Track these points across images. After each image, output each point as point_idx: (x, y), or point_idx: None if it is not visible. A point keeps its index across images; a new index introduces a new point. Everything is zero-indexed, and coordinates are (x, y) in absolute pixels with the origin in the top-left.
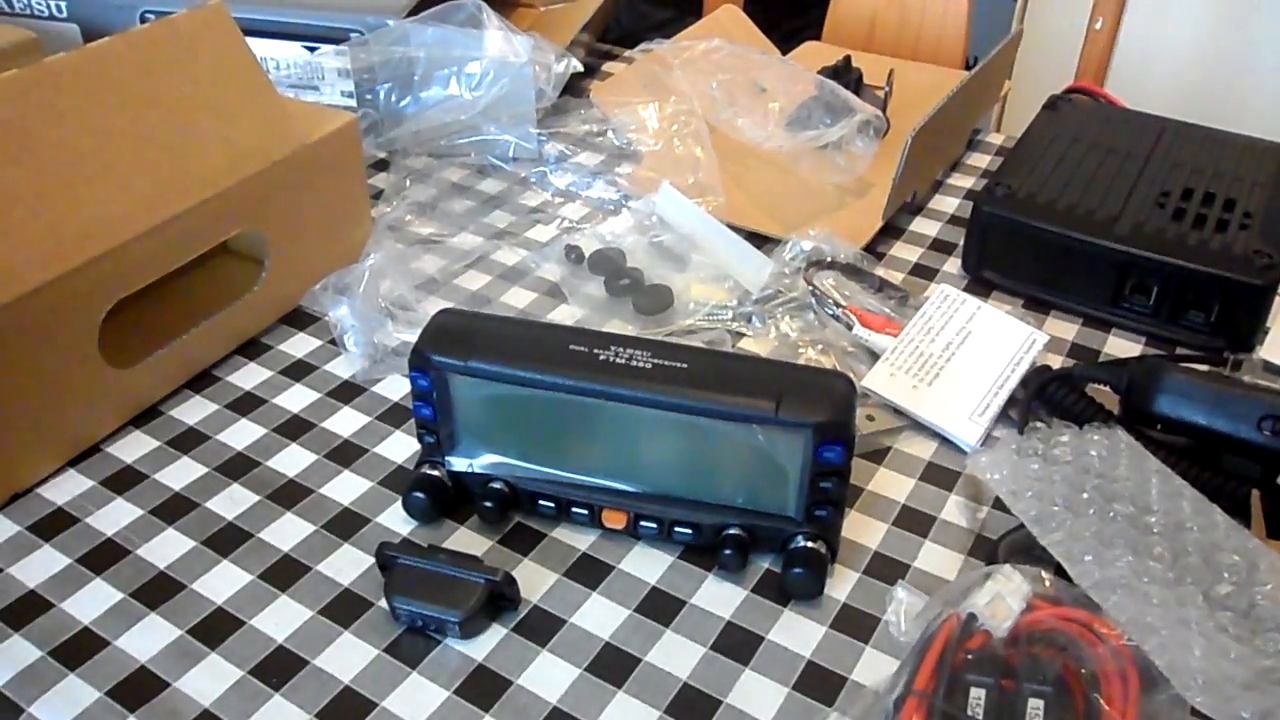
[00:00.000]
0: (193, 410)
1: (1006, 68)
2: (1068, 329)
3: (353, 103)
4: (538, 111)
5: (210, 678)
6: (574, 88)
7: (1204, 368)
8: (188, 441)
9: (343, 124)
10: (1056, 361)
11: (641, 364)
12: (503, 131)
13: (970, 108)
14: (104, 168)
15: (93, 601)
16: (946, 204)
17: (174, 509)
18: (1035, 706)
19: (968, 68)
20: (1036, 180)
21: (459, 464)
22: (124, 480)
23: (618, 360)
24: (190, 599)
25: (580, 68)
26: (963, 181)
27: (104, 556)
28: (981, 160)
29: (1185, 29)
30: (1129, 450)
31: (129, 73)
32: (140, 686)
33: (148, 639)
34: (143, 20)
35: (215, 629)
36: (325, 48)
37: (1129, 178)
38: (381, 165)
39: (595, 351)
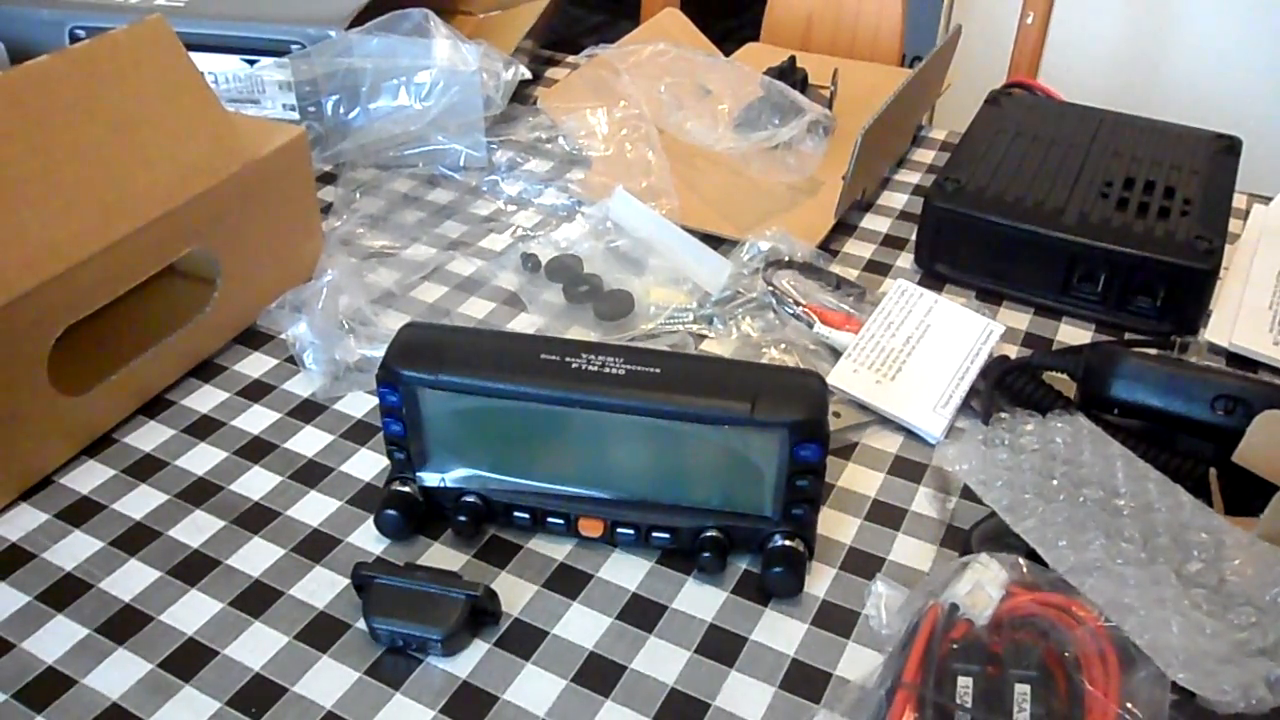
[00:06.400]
0: (148, 436)
1: (947, 64)
2: (1020, 319)
3: (295, 116)
4: (486, 120)
5: (187, 712)
6: (519, 95)
7: (1153, 351)
8: (145, 469)
9: (291, 138)
10: (1011, 351)
11: (615, 370)
12: (451, 141)
13: (915, 104)
14: (48, 190)
15: (56, 639)
16: (895, 200)
17: (135, 539)
18: (1022, 691)
19: (903, 64)
20: (984, 174)
21: (431, 479)
22: (80, 512)
23: (590, 368)
24: (159, 631)
25: (529, 75)
26: (909, 177)
27: (65, 592)
28: (926, 156)
29: (1110, 22)
30: (1091, 436)
31: (71, 91)
32: None
33: (118, 675)
34: (72, 37)
35: (188, 661)
36: (265, 60)
37: (1072, 169)
38: (327, 179)
39: (568, 360)
